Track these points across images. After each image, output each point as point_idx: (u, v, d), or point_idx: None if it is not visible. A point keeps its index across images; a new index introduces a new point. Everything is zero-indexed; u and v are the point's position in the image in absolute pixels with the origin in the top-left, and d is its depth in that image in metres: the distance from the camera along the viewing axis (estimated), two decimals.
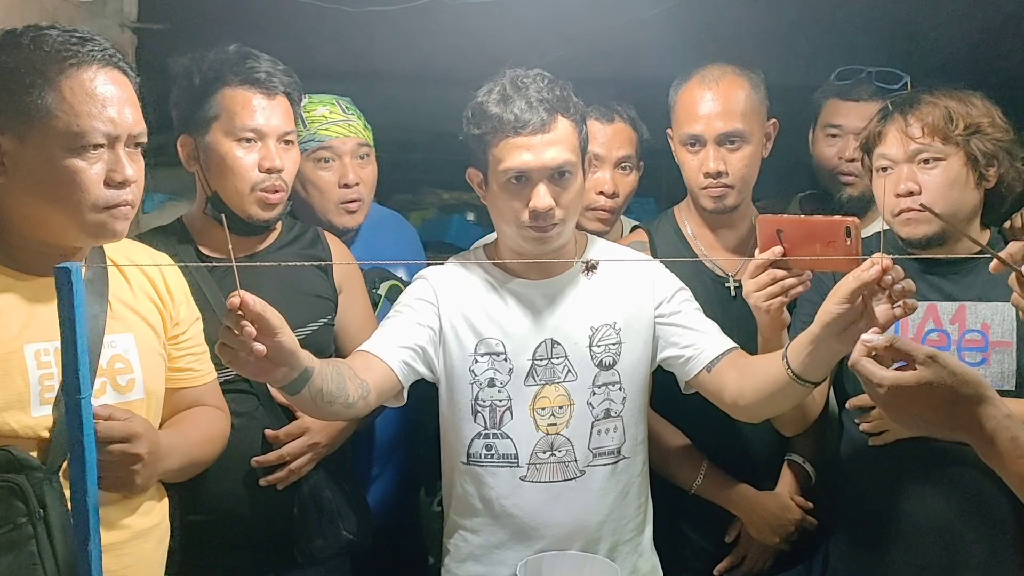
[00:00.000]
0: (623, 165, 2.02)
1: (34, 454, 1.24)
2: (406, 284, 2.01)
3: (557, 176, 1.56)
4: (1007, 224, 1.78)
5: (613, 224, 2.07)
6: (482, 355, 1.62)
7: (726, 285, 1.86)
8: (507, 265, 1.67)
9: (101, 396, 1.32)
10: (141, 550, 1.37)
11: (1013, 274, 1.24)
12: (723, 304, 1.83)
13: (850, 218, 1.40)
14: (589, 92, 2.05)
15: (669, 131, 1.91)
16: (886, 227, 1.76)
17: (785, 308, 1.53)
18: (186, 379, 1.50)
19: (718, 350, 1.61)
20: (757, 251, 1.49)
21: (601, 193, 1.99)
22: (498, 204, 1.61)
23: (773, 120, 1.88)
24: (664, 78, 1.92)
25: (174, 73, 1.68)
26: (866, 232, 1.99)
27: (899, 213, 1.65)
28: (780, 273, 1.46)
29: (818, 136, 2.15)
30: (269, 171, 1.66)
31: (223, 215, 1.53)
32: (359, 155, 1.97)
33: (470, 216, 3.20)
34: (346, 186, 1.93)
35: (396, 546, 1.99)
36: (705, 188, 1.83)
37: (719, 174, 1.80)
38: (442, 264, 1.70)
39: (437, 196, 3.50)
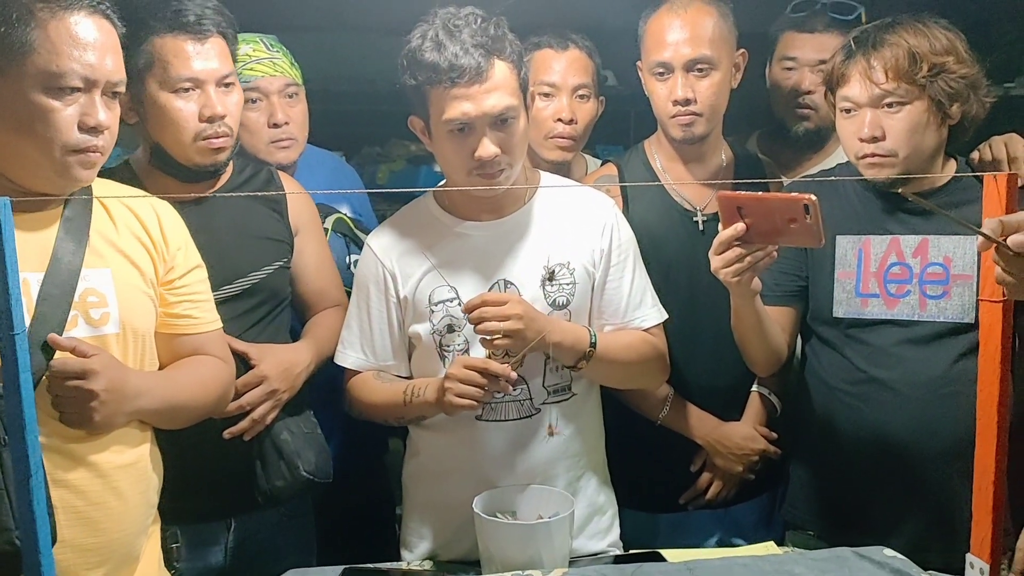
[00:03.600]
0: (580, 93, 2.00)
1: None
2: (351, 218, 2.00)
3: (500, 122, 1.54)
4: (975, 155, 1.77)
5: (574, 152, 2.05)
6: (436, 303, 1.62)
7: (694, 219, 1.85)
8: (457, 208, 1.66)
9: (73, 328, 1.32)
10: (113, 488, 1.36)
11: (994, 247, 1.23)
12: (691, 238, 1.83)
13: (808, 196, 1.39)
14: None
15: (639, 63, 1.89)
16: (846, 161, 1.77)
17: (756, 277, 1.55)
18: (184, 325, 1.49)
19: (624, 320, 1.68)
20: (720, 227, 1.49)
21: (559, 120, 1.97)
22: (443, 152, 1.60)
23: (742, 50, 1.86)
24: (630, 23, 1.90)
25: None
26: (830, 163, 2.00)
27: (863, 156, 1.65)
28: (744, 250, 1.47)
29: (775, 69, 2.13)
30: (211, 119, 1.61)
31: None
32: (287, 94, 1.92)
33: (437, 168, 3.17)
34: (275, 126, 1.89)
35: (364, 488, 2.00)
36: (674, 116, 1.81)
37: (687, 101, 1.79)
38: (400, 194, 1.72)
39: (405, 148, 3.44)
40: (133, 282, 1.41)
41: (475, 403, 1.51)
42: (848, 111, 1.65)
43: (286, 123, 1.90)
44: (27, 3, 1.26)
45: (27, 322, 1.21)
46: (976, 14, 2.63)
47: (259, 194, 1.73)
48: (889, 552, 1.48)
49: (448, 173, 1.65)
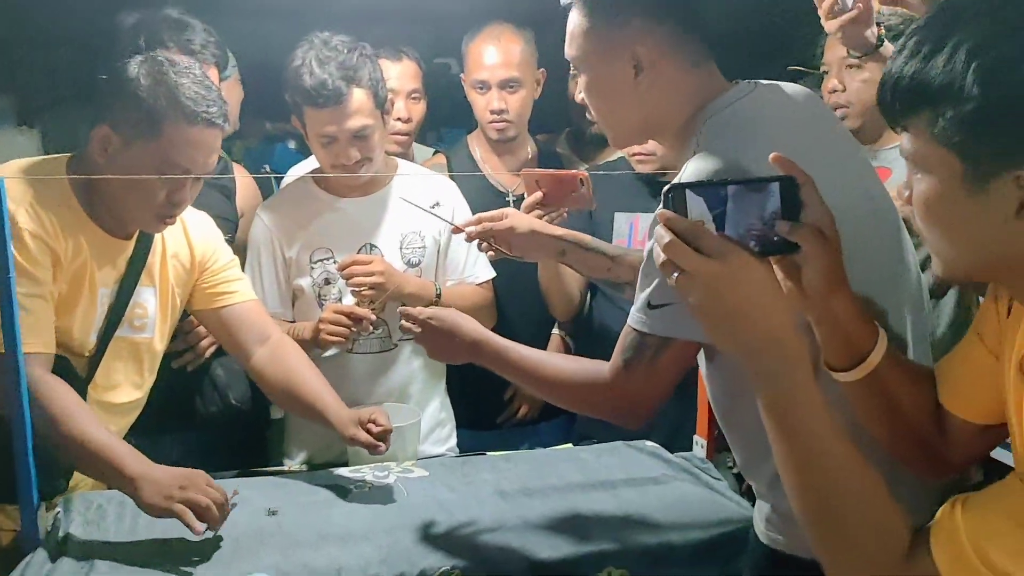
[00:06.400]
0: (412, 95, 2.47)
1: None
2: None
3: (359, 136, 1.97)
4: None
5: (409, 146, 2.51)
6: (315, 262, 2.05)
7: (507, 199, 2.35)
8: (332, 188, 2.09)
9: (121, 329, 1.73)
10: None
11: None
12: None
13: (582, 172, 1.88)
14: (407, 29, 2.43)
15: (462, 76, 2.36)
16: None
17: None
18: (226, 299, 1.86)
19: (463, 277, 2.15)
20: (525, 195, 1.93)
21: (398, 119, 2.41)
22: (316, 153, 2.03)
23: (543, 69, 2.37)
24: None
25: (122, 30, 1.94)
26: (614, 156, 2.53)
27: (634, 155, 2.22)
28: (541, 212, 1.89)
29: (571, 84, 2.66)
30: None
31: None
32: None
33: (291, 144, 3.51)
34: None
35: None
36: (491, 122, 2.30)
37: (501, 111, 2.28)
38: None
39: (260, 126, 3.75)
40: (168, 299, 1.78)
41: (344, 340, 1.95)
42: None
43: None
44: (163, 104, 1.57)
45: (102, 320, 1.68)
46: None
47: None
48: (650, 443, 2.05)
49: (322, 164, 2.07)
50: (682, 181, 1.07)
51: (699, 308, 0.91)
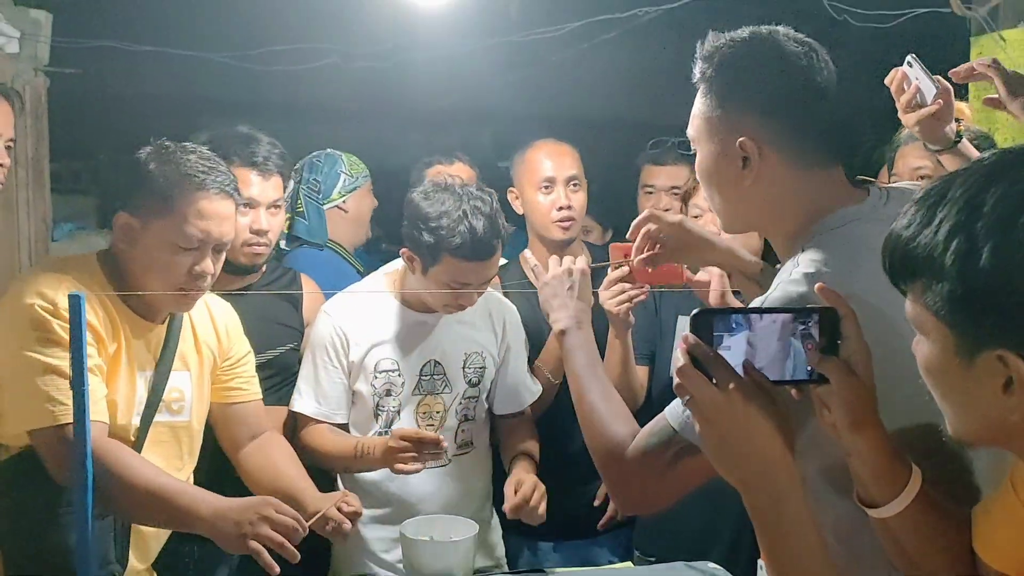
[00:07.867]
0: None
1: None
2: None
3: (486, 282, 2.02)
4: None
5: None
6: (380, 372, 2.05)
7: None
8: (409, 303, 2.09)
9: (159, 415, 1.75)
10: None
11: None
12: None
13: None
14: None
15: (511, 190, 2.41)
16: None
17: (630, 312, 1.98)
18: (237, 395, 1.90)
19: (508, 409, 2.14)
20: (610, 270, 1.88)
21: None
22: (430, 287, 1.99)
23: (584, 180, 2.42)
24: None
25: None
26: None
27: None
28: (627, 286, 1.87)
29: (640, 194, 2.72)
30: (257, 232, 2.05)
31: None
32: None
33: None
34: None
35: None
36: (557, 221, 2.34)
37: (569, 207, 2.33)
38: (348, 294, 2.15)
39: None
40: (203, 382, 1.83)
41: (419, 468, 1.90)
42: (698, 216, 2.21)
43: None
44: (176, 181, 1.65)
45: (143, 404, 1.71)
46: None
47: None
48: (711, 564, 1.98)
49: (432, 296, 2.02)
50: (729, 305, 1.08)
51: (701, 433, 0.98)
